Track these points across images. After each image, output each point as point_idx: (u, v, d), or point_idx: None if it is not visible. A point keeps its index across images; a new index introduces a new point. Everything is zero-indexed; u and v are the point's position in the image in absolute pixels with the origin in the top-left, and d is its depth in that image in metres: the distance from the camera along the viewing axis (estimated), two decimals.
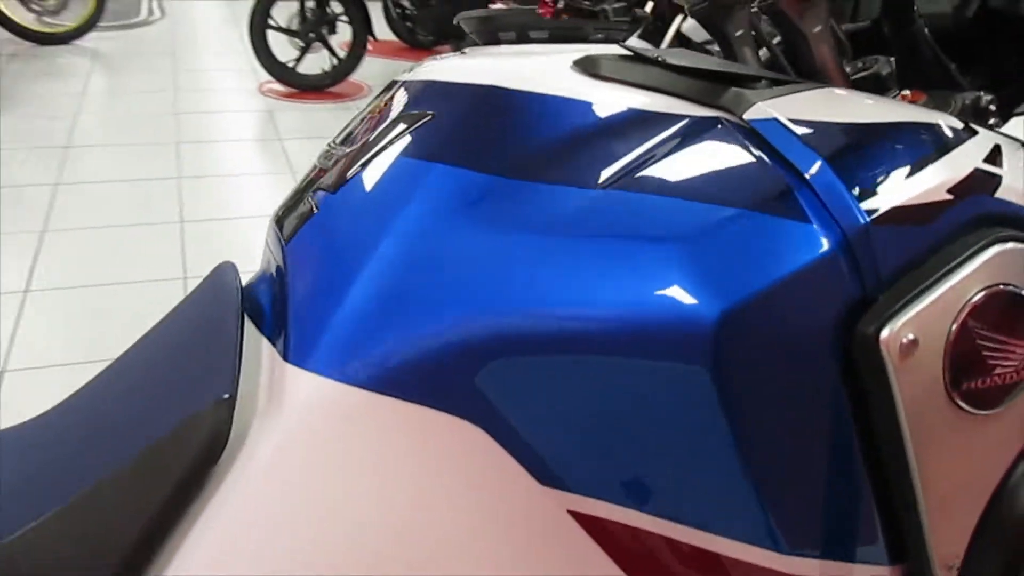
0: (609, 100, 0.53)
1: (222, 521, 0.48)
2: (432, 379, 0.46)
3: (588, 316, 0.45)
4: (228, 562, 0.48)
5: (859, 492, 0.49)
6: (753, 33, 0.63)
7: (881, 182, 0.46)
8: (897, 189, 0.46)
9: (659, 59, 0.56)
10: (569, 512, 0.48)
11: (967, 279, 0.46)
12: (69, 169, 3.03)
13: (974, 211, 0.48)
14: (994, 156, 0.50)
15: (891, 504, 0.49)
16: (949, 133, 0.50)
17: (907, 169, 0.48)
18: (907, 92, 0.66)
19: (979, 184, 0.48)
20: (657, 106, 0.53)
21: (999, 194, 0.48)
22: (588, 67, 0.56)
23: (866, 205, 0.45)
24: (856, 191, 0.46)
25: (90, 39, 4.99)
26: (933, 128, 0.51)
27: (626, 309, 0.44)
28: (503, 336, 0.45)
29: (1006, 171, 0.49)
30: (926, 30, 0.66)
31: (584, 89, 0.54)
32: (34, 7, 4.86)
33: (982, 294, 0.46)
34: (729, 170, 0.48)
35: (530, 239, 0.47)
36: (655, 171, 0.49)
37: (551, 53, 0.61)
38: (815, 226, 0.45)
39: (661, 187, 0.48)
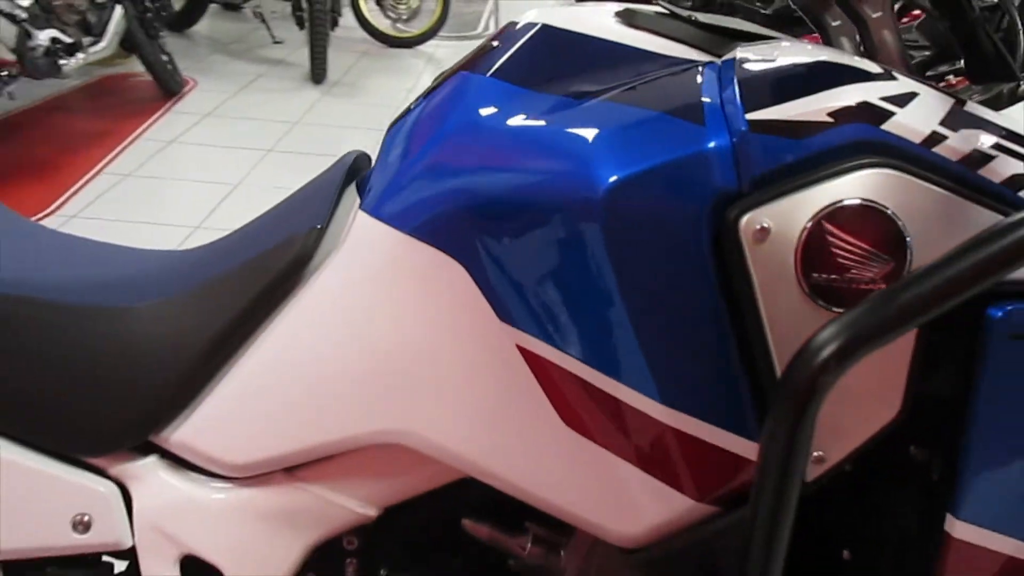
0: (629, 41, 0.67)
1: (297, 316, 0.69)
2: (442, 226, 0.64)
3: (538, 189, 0.60)
4: (295, 347, 0.69)
5: (730, 364, 0.58)
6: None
7: (773, 102, 0.56)
8: (782, 107, 0.55)
9: (690, 17, 0.68)
10: (518, 347, 0.63)
11: (831, 188, 0.53)
12: None
13: (855, 136, 0.55)
14: (902, 99, 0.56)
15: (760, 381, 0.57)
16: (857, 72, 0.57)
17: (798, 93, 0.56)
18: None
19: (864, 114, 0.55)
20: (667, 50, 0.66)
21: (886, 127, 0.55)
22: (627, 17, 0.70)
23: (752, 116, 0.55)
24: (750, 106, 0.56)
25: (430, 45, 5.73)
26: (843, 67, 0.58)
27: (559, 181, 0.59)
28: (488, 200, 0.62)
29: (906, 111, 0.55)
30: (985, 25, 0.70)
31: (616, 32, 0.68)
32: (390, 15, 5.69)
33: (844, 203, 0.53)
34: (678, 90, 0.60)
35: (518, 132, 0.63)
36: (633, 90, 0.62)
37: (610, 8, 0.76)
38: (707, 128, 0.56)
39: (627, 99, 0.61)
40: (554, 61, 0.67)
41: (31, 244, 0.85)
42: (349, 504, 0.70)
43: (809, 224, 0.54)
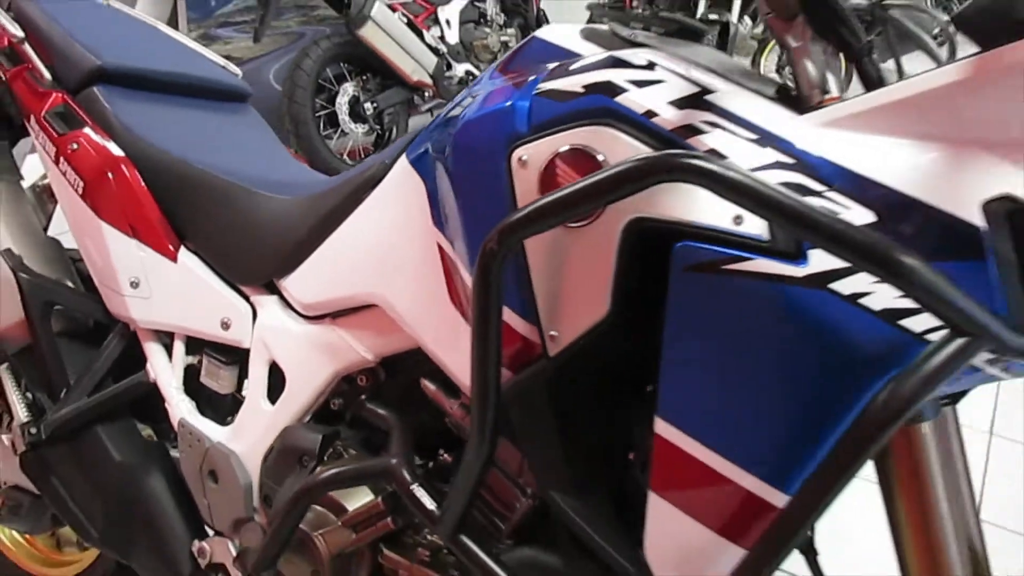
0: (570, 46, 0.82)
1: (356, 217, 0.96)
2: (423, 157, 0.86)
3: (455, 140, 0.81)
4: (350, 234, 0.96)
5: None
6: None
7: (558, 77, 0.71)
8: (560, 81, 0.70)
9: (629, 36, 0.82)
10: (437, 244, 0.84)
11: (568, 136, 0.67)
12: None
13: (594, 103, 0.67)
14: (642, 83, 0.67)
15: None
16: (622, 62, 0.70)
17: (573, 71, 0.71)
18: None
19: (604, 89, 0.67)
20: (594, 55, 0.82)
21: (618, 99, 0.66)
22: (587, 33, 0.84)
23: (541, 87, 0.71)
24: (545, 80, 0.71)
25: None
26: (615, 58, 0.70)
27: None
28: (444, 148, 0.82)
29: (640, 91, 0.66)
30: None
31: (570, 42, 0.80)
32: None
33: (571, 146, 0.67)
34: (528, 68, 0.78)
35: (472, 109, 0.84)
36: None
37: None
38: (513, 97, 0.72)
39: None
40: (525, 62, 0.87)
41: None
42: (359, 348, 0.95)
43: (548, 158, 0.68)
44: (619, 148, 0.65)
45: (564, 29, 0.83)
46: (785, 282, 0.60)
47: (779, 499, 0.63)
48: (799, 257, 0.60)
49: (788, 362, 0.62)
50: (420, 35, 3.79)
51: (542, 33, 0.83)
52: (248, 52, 3.84)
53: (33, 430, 1.14)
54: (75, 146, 1.11)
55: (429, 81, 3.80)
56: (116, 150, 1.11)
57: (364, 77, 3.72)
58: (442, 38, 3.96)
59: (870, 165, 0.61)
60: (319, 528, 0.90)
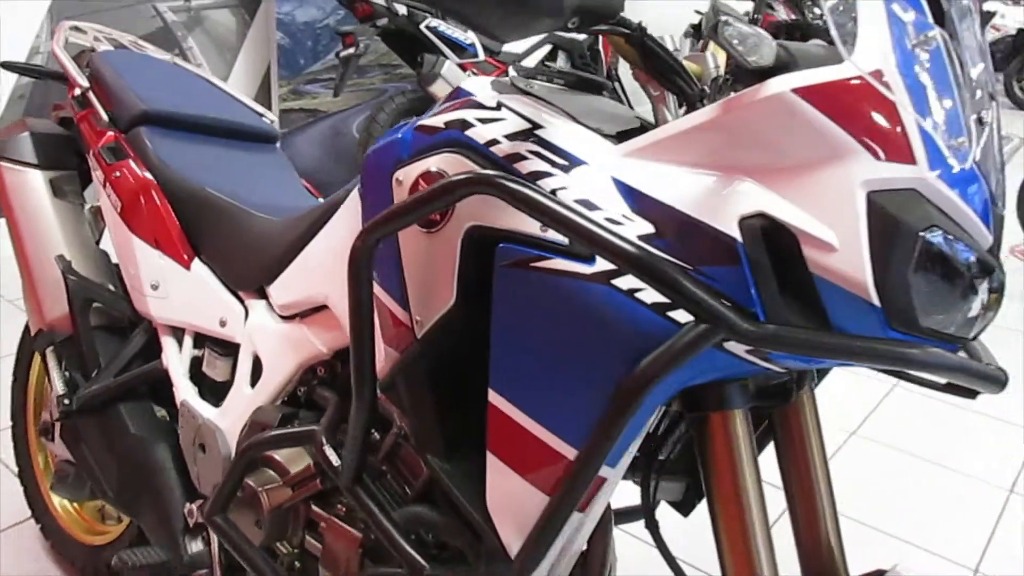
0: (478, 93, 0.99)
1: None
2: None
3: None
4: (315, 249, 1.17)
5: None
6: None
7: (431, 115, 0.88)
8: (431, 119, 0.87)
9: (524, 87, 0.98)
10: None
11: (429, 161, 0.85)
12: None
13: (450, 136, 0.84)
14: (487, 120, 0.83)
15: None
16: (480, 105, 0.85)
17: (442, 110, 0.87)
18: None
19: (458, 125, 0.84)
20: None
21: (468, 132, 0.83)
22: (494, 84, 0.95)
23: (419, 123, 0.88)
24: (424, 118, 0.88)
25: None
26: (475, 102, 0.87)
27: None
28: None
29: (484, 127, 0.82)
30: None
31: (480, 90, 0.94)
32: None
33: (429, 169, 0.84)
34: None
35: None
36: None
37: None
38: (402, 131, 0.89)
39: None
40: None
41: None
42: (316, 343, 1.13)
43: (415, 178, 0.85)
44: (463, 170, 0.83)
45: (480, 80, 1.02)
46: (578, 278, 0.76)
47: (571, 452, 0.78)
48: (590, 259, 0.76)
49: (579, 342, 0.77)
50: None
51: (464, 84, 1.02)
52: (332, 105, 4.20)
53: (67, 401, 1.39)
54: (118, 174, 1.37)
55: None
56: (149, 178, 1.36)
57: None
58: None
59: (651, 186, 0.76)
60: (264, 485, 1.08)
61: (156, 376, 1.35)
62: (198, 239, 1.34)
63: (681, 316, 0.72)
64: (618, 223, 0.75)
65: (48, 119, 1.62)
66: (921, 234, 0.68)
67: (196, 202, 1.33)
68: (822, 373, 0.99)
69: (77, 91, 1.50)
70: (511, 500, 0.84)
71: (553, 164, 0.80)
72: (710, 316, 0.69)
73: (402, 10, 3.82)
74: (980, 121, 0.75)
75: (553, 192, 0.78)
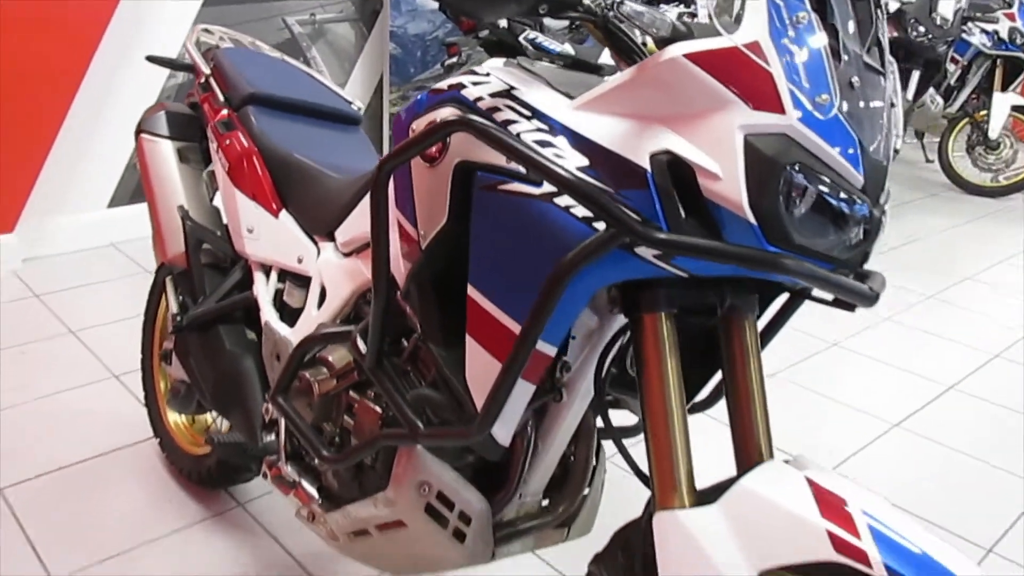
0: (494, 69, 1.25)
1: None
2: None
3: None
4: None
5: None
6: None
7: (441, 81, 1.13)
8: (440, 83, 1.12)
9: (528, 67, 1.24)
10: None
11: (432, 113, 1.10)
12: None
13: (452, 94, 1.08)
14: (477, 83, 1.06)
15: None
16: (476, 74, 1.09)
17: (450, 79, 1.11)
18: None
19: (457, 87, 1.07)
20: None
21: (462, 91, 1.07)
22: (505, 62, 1.21)
23: (433, 87, 1.13)
24: (437, 84, 1.14)
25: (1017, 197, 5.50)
26: (471, 71, 1.10)
27: None
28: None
29: (473, 87, 1.06)
30: None
31: (495, 68, 1.21)
32: (979, 165, 5.63)
33: (432, 119, 1.09)
34: None
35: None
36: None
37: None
38: (422, 95, 1.16)
39: None
40: None
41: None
42: (366, 273, 1.41)
43: (424, 125, 1.09)
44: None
45: (497, 60, 1.29)
46: (530, 197, 1.00)
47: (517, 328, 1.02)
48: (539, 183, 1.00)
49: (528, 245, 1.01)
50: None
51: (487, 62, 1.30)
52: None
53: (179, 319, 1.74)
54: (228, 142, 1.71)
55: None
56: (251, 146, 1.69)
57: None
58: None
59: (588, 129, 0.99)
60: (315, 377, 1.38)
61: (247, 304, 1.68)
62: (285, 194, 1.66)
63: (601, 226, 0.95)
64: (562, 157, 0.99)
65: (181, 103, 2.00)
66: (787, 168, 0.89)
67: (286, 165, 1.66)
68: (764, 304, 1.18)
69: (202, 78, 1.86)
70: (481, 372, 1.08)
71: (520, 115, 1.05)
72: (618, 223, 0.92)
73: (503, 23, 4.14)
74: (851, 85, 0.95)
75: (517, 135, 1.02)
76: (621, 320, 1.14)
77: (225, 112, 1.77)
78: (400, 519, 1.25)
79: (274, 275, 1.66)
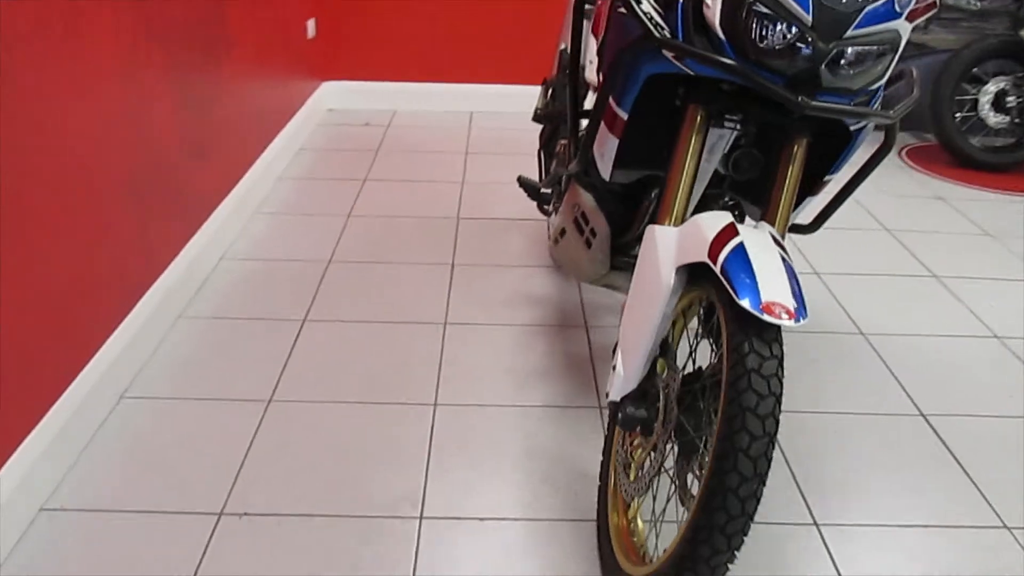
0: None
1: None
2: None
3: None
4: None
5: None
6: None
7: None
8: None
9: None
10: None
11: None
12: None
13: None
14: None
15: None
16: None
17: None
18: None
19: None
20: None
21: None
22: None
23: None
24: None
25: None
26: None
27: None
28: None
29: None
30: None
31: None
32: None
33: None
34: None
35: None
36: None
37: None
38: None
39: None
40: None
41: None
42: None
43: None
44: None
45: None
46: (624, 14, 1.59)
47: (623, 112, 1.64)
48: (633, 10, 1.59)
49: (619, 44, 1.63)
50: None
51: None
52: (943, 43, 4.49)
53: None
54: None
55: None
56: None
57: (1021, 75, 4.10)
58: None
59: None
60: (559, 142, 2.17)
61: None
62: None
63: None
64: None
65: None
66: (749, 3, 1.32)
67: None
68: (806, 127, 1.47)
69: None
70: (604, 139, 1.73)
71: None
72: (647, 31, 1.44)
73: None
74: None
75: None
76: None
77: None
78: (564, 227, 2.02)
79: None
